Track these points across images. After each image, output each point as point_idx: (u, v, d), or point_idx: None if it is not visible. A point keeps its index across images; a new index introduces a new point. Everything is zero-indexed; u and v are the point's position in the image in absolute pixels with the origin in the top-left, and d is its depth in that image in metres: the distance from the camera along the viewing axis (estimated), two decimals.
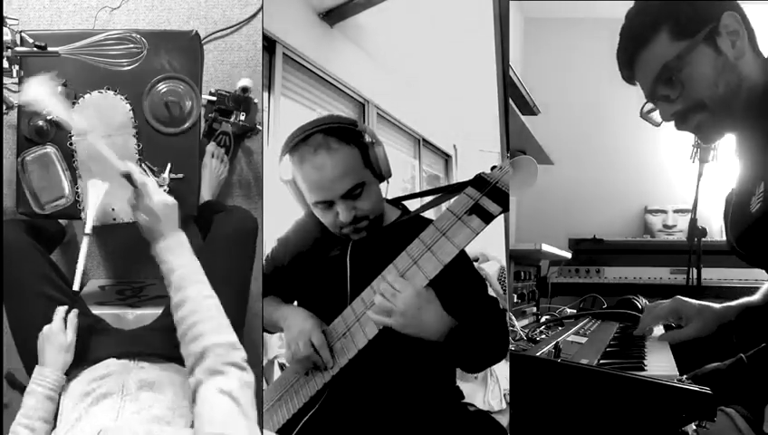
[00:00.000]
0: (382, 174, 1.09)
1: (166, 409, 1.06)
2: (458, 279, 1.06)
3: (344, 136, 1.05)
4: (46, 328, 1.15)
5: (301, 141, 1.05)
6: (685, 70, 0.94)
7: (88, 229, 1.25)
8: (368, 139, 1.07)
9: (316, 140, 1.03)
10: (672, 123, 1.01)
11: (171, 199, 1.10)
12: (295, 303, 1.22)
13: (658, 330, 1.34)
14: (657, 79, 0.97)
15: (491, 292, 1.29)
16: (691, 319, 1.19)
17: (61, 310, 1.18)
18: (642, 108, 1.05)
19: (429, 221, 1.02)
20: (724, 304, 1.18)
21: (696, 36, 0.93)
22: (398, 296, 0.94)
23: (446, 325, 0.96)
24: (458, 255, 0.96)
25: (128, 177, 1.08)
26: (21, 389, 1.19)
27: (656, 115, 1.03)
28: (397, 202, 1.20)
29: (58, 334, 1.14)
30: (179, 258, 1.06)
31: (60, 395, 1.11)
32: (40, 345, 1.14)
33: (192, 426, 1.04)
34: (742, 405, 0.88)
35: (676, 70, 0.95)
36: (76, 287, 1.21)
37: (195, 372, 0.94)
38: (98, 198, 1.28)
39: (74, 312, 1.18)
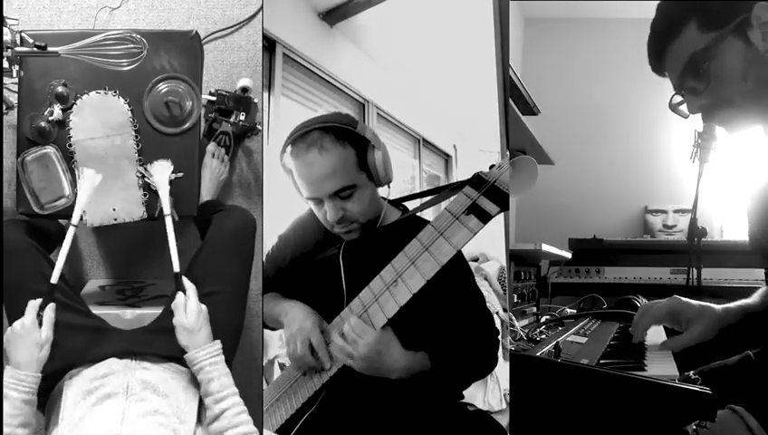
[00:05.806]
0: (380, 179, 1.08)
1: (171, 414, 1.06)
2: (457, 293, 1.06)
3: (341, 136, 1.05)
4: (17, 323, 1.05)
5: (299, 137, 1.05)
6: (713, 62, 0.91)
7: (75, 220, 1.20)
8: (369, 141, 1.07)
9: (312, 137, 1.04)
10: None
11: (204, 308, 1.16)
12: None
13: (659, 336, 1.27)
14: (684, 70, 0.94)
15: (488, 304, 1.28)
16: (692, 322, 1.11)
17: (33, 304, 1.09)
18: (671, 100, 1.02)
19: (427, 222, 1.02)
20: (724, 306, 1.13)
21: (726, 27, 0.90)
22: (358, 342, 0.96)
23: (409, 364, 0.99)
24: (461, 268, 0.96)
25: (177, 277, 1.18)
26: None
27: (684, 108, 1.00)
28: (397, 203, 1.20)
29: (32, 331, 1.05)
30: (218, 368, 1.11)
31: (51, 392, 1.10)
32: (10, 342, 1.05)
33: (194, 433, 1.05)
34: (750, 401, 0.87)
35: (703, 61, 0.92)
36: (54, 280, 1.14)
37: None
38: (91, 189, 1.23)
39: (51, 306, 1.11)
